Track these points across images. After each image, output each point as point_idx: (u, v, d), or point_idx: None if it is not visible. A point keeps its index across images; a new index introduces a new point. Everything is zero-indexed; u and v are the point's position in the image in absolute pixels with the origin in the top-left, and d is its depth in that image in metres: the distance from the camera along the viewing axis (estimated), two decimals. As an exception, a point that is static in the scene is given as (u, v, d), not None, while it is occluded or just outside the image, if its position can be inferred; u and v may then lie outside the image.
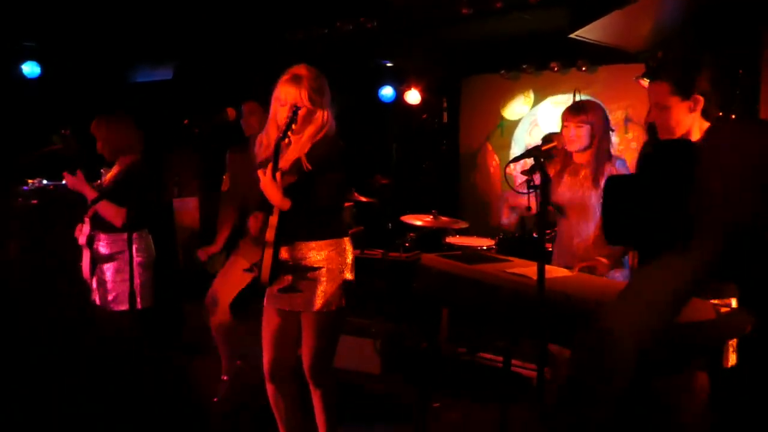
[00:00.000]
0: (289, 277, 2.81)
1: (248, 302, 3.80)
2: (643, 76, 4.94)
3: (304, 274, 2.79)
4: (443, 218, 5.19)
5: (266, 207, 2.80)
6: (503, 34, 5.49)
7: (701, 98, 2.42)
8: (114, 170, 3.77)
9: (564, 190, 3.22)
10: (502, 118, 6.88)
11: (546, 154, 2.49)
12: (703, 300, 2.25)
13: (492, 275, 2.63)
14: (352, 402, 3.79)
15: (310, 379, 2.89)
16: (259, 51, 5.49)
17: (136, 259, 3.66)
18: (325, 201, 2.75)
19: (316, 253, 2.79)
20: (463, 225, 5.26)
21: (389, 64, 6.65)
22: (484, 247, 4.94)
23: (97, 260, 3.69)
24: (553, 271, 2.72)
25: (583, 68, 6.04)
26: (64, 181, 3.64)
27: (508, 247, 4.83)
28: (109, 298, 3.65)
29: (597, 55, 5.70)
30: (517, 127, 6.79)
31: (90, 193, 3.56)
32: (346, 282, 2.83)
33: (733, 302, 2.47)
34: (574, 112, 3.19)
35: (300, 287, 2.80)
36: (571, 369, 2.05)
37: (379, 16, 4.91)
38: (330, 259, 2.80)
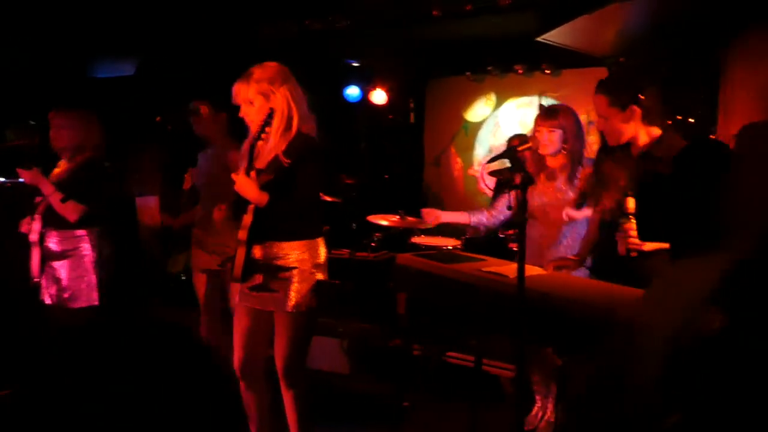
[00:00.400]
0: (262, 276, 2.80)
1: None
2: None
3: (277, 273, 2.77)
4: (410, 218, 5.19)
5: (239, 207, 2.78)
6: (470, 36, 5.53)
7: (637, 109, 2.58)
8: (66, 165, 3.67)
9: (538, 194, 3.26)
10: (466, 120, 6.93)
11: (522, 156, 2.53)
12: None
13: (469, 274, 2.65)
14: (321, 402, 3.77)
15: (282, 380, 2.86)
16: (227, 48, 5.40)
17: (93, 256, 3.59)
18: (305, 194, 2.72)
19: (289, 253, 2.77)
20: (429, 225, 5.27)
21: (355, 64, 6.63)
22: (450, 247, 4.96)
23: (48, 257, 3.60)
24: (529, 270, 2.74)
25: (548, 71, 6.13)
26: (21, 179, 3.54)
27: (474, 247, 4.86)
28: (65, 296, 3.56)
29: (561, 59, 5.78)
30: (481, 129, 6.85)
31: (48, 188, 3.47)
32: (318, 282, 2.81)
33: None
34: (546, 116, 3.24)
35: (272, 287, 2.78)
36: (602, 361, 2.08)
37: (350, 15, 4.89)
38: (303, 260, 2.78)
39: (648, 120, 2.62)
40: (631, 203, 2.45)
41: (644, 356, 1.85)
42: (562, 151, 3.23)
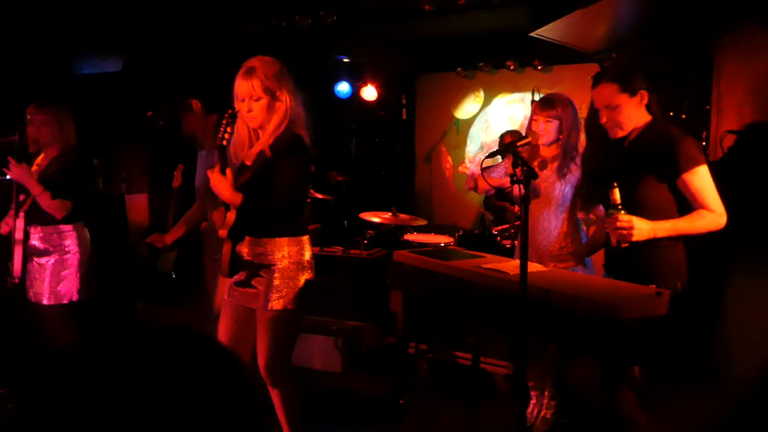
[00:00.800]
0: (246, 273, 2.78)
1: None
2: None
3: (259, 271, 2.75)
4: (402, 215, 5.16)
5: (227, 204, 2.75)
6: (462, 31, 5.50)
7: (646, 93, 2.62)
8: (46, 162, 3.62)
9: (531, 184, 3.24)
10: (456, 117, 6.91)
11: (522, 152, 2.51)
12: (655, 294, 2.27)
13: (468, 271, 2.62)
14: (316, 401, 3.73)
15: (266, 379, 2.83)
16: (215, 44, 5.34)
17: (77, 252, 3.55)
18: (285, 190, 2.66)
19: (271, 251, 2.74)
20: (422, 222, 5.25)
21: (345, 60, 6.58)
22: (442, 244, 4.94)
23: (31, 254, 3.56)
24: (529, 267, 2.71)
25: (539, 67, 6.11)
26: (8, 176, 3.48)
27: (467, 243, 4.84)
28: (47, 292, 3.52)
29: (553, 55, 5.77)
30: (472, 126, 6.82)
31: (34, 185, 3.42)
32: (303, 281, 2.78)
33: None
34: (543, 106, 3.22)
35: (256, 284, 2.76)
36: None
37: (340, 10, 4.85)
38: (288, 258, 2.75)
39: (650, 106, 2.64)
40: (616, 194, 2.46)
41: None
42: (558, 141, 3.22)
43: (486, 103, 6.73)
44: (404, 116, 7.09)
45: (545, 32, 4.52)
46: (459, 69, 6.58)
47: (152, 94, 5.48)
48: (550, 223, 3.23)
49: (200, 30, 5.27)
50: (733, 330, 3.12)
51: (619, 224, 2.43)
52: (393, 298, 4.74)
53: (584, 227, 3.31)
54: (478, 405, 3.22)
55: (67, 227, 3.56)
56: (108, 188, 5.72)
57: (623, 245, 2.48)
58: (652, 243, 2.48)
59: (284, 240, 2.74)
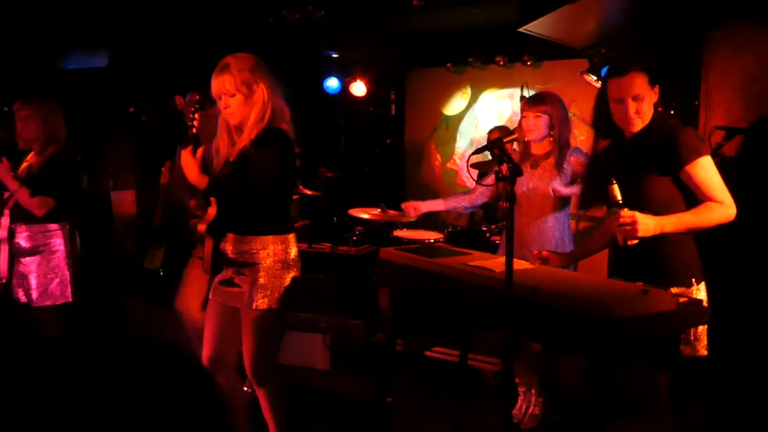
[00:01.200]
0: (231, 271, 2.75)
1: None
2: (588, 71, 5.04)
3: (245, 269, 2.71)
4: (391, 211, 5.14)
5: (207, 198, 2.73)
6: (452, 27, 5.48)
7: (658, 87, 2.52)
8: (35, 158, 3.58)
9: (523, 182, 3.22)
10: (444, 113, 6.90)
11: (509, 147, 2.47)
12: (663, 291, 2.26)
13: (455, 268, 2.60)
14: (303, 399, 3.71)
15: (251, 378, 2.80)
16: (202, 39, 5.30)
17: (65, 252, 3.52)
18: (259, 175, 2.59)
19: (255, 249, 2.70)
20: (411, 218, 5.22)
21: (335, 55, 6.55)
22: (432, 240, 4.92)
23: (18, 254, 3.52)
24: (516, 264, 2.69)
25: (529, 63, 6.10)
26: None
27: (456, 240, 4.83)
28: (35, 293, 3.48)
29: (542, 51, 5.76)
30: (462, 121, 6.81)
31: (10, 181, 3.38)
32: (288, 280, 2.74)
33: (700, 292, 2.52)
34: (532, 102, 3.21)
35: (240, 283, 2.72)
36: None
37: (328, 5, 4.81)
38: (273, 256, 2.70)
39: (657, 101, 2.55)
40: (616, 190, 2.37)
41: None
42: (549, 137, 3.20)
43: (474, 99, 6.72)
44: (393, 112, 7.06)
45: (534, 28, 4.50)
46: (449, 64, 6.56)
47: (139, 90, 5.43)
48: (544, 219, 3.22)
49: (188, 25, 5.23)
50: None
51: (621, 221, 2.33)
52: (381, 294, 4.72)
53: (573, 222, 3.29)
54: (466, 402, 3.21)
55: (54, 226, 3.52)
56: (94, 185, 5.67)
57: (630, 242, 2.37)
58: (661, 239, 2.40)
59: (269, 238, 2.70)
